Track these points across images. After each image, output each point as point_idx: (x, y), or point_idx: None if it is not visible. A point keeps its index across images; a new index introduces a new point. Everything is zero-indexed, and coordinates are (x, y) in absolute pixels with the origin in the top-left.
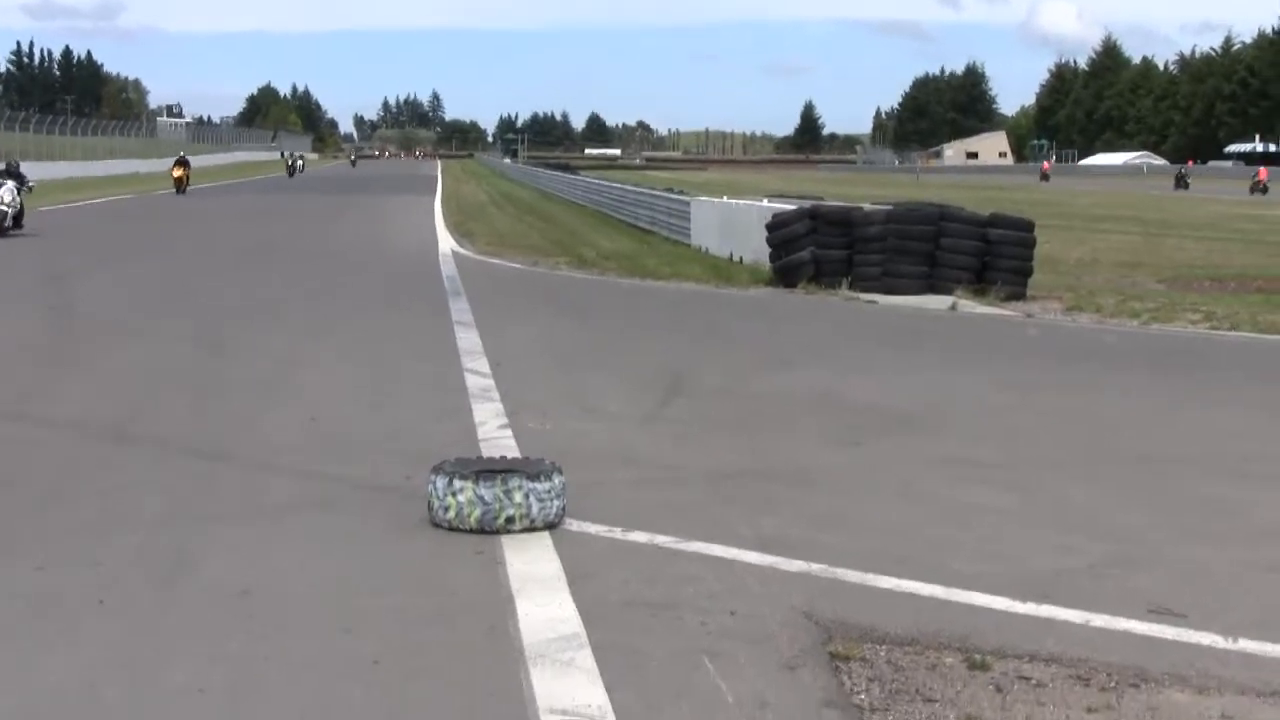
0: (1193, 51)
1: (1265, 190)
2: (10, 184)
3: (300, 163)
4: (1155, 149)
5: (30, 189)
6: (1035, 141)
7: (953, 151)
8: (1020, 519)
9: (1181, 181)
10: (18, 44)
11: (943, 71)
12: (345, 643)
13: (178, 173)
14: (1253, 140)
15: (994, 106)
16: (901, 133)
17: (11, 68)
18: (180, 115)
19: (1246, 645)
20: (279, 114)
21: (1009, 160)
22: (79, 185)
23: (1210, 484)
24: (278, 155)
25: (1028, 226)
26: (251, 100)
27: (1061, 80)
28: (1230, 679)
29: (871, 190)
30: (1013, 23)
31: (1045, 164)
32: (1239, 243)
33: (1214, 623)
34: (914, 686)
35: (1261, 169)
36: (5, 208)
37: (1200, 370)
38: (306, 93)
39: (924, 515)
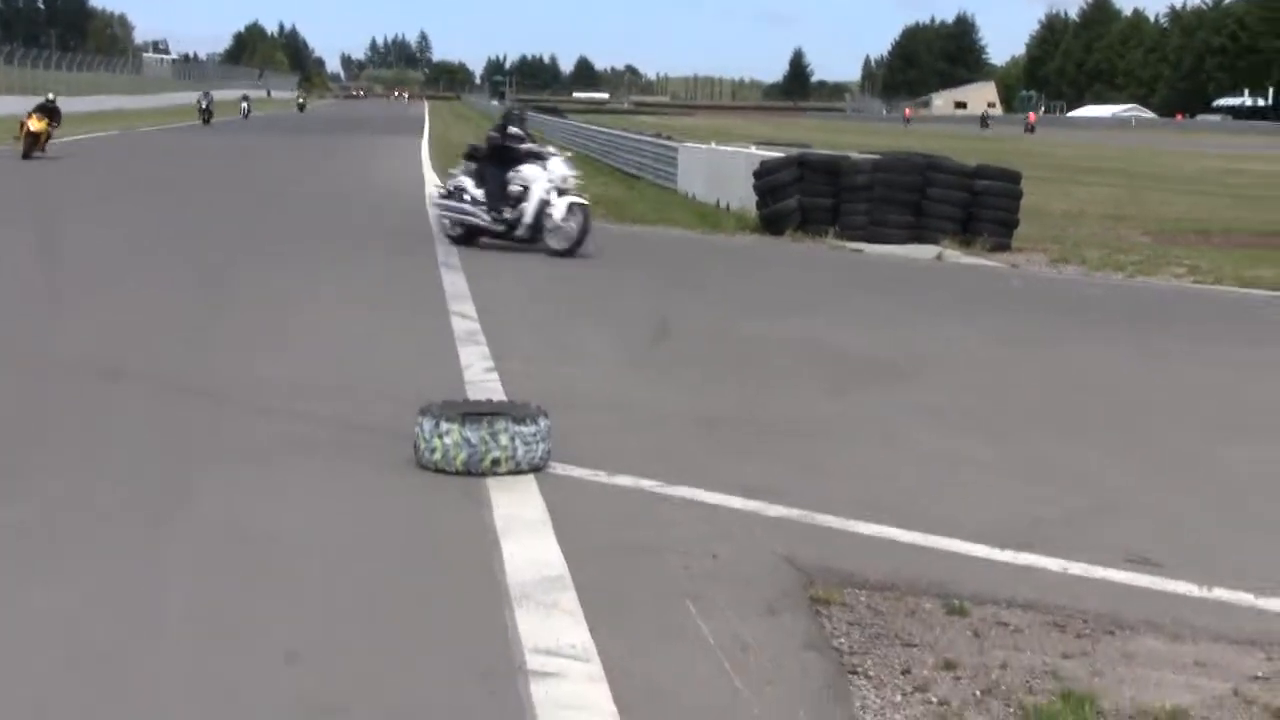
0: (1183, 4)
1: None
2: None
3: (245, 105)
4: (1144, 102)
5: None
6: (1024, 92)
7: (941, 101)
8: (1001, 469)
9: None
10: None
11: (933, 20)
12: (334, 582)
13: (36, 125)
14: (1241, 94)
15: (984, 57)
16: (891, 82)
17: None
18: (166, 52)
19: (1221, 594)
20: (266, 52)
21: (998, 111)
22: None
23: (1190, 437)
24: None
25: (1014, 178)
26: (238, 38)
27: (1052, 31)
28: (1204, 627)
29: (860, 139)
30: None
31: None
32: (1225, 197)
33: (1189, 572)
34: (893, 631)
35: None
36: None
37: (1183, 323)
38: (294, 31)
39: (906, 463)
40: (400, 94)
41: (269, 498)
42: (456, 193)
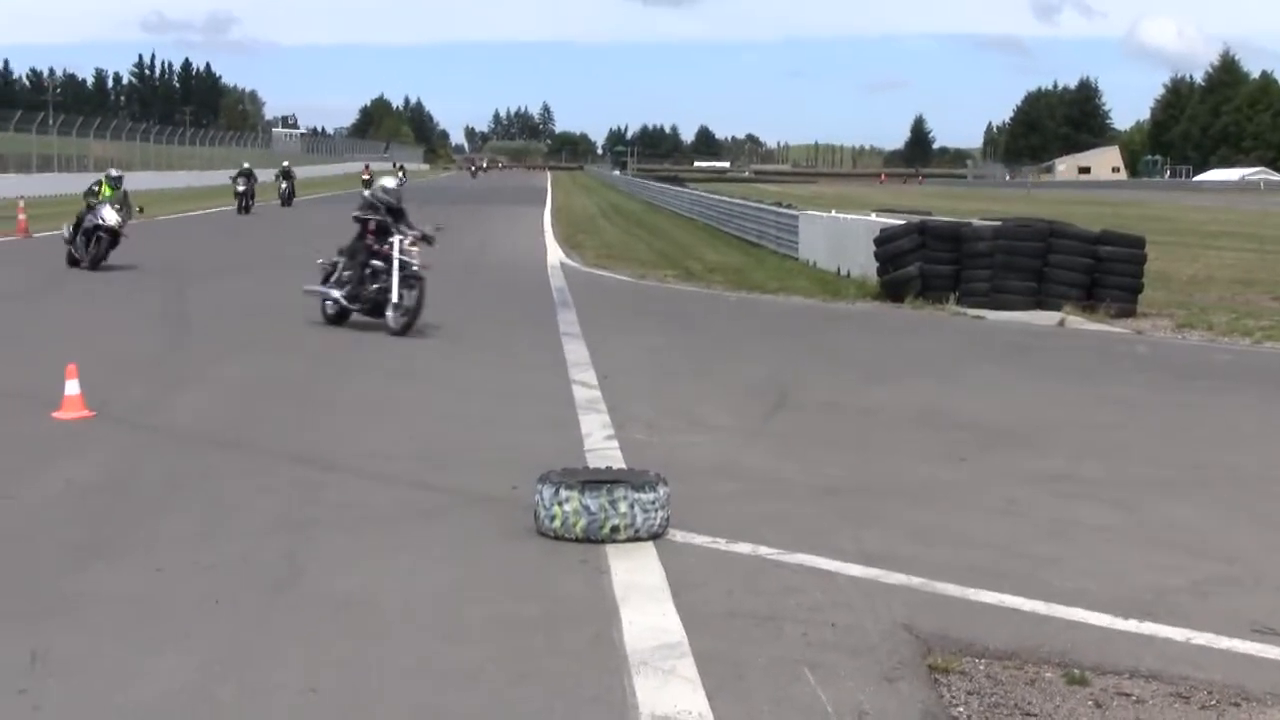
0: None
1: None
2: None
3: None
4: (1273, 165)
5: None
6: (1149, 157)
7: (1065, 166)
8: (1124, 536)
9: None
10: (139, 56)
11: (1055, 86)
12: (452, 649)
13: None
14: None
15: (1107, 121)
16: (1013, 147)
17: (134, 79)
18: (295, 126)
19: None
20: (391, 125)
21: (1122, 175)
22: (196, 195)
23: None
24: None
25: (1138, 243)
26: (364, 111)
27: (1177, 95)
28: None
29: (981, 205)
30: (1112, 37)
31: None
32: None
33: None
34: (1013, 700)
35: None
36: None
37: None
38: (419, 104)
39: (1026, 531)
40: (479, 164)
41: (389, 565)
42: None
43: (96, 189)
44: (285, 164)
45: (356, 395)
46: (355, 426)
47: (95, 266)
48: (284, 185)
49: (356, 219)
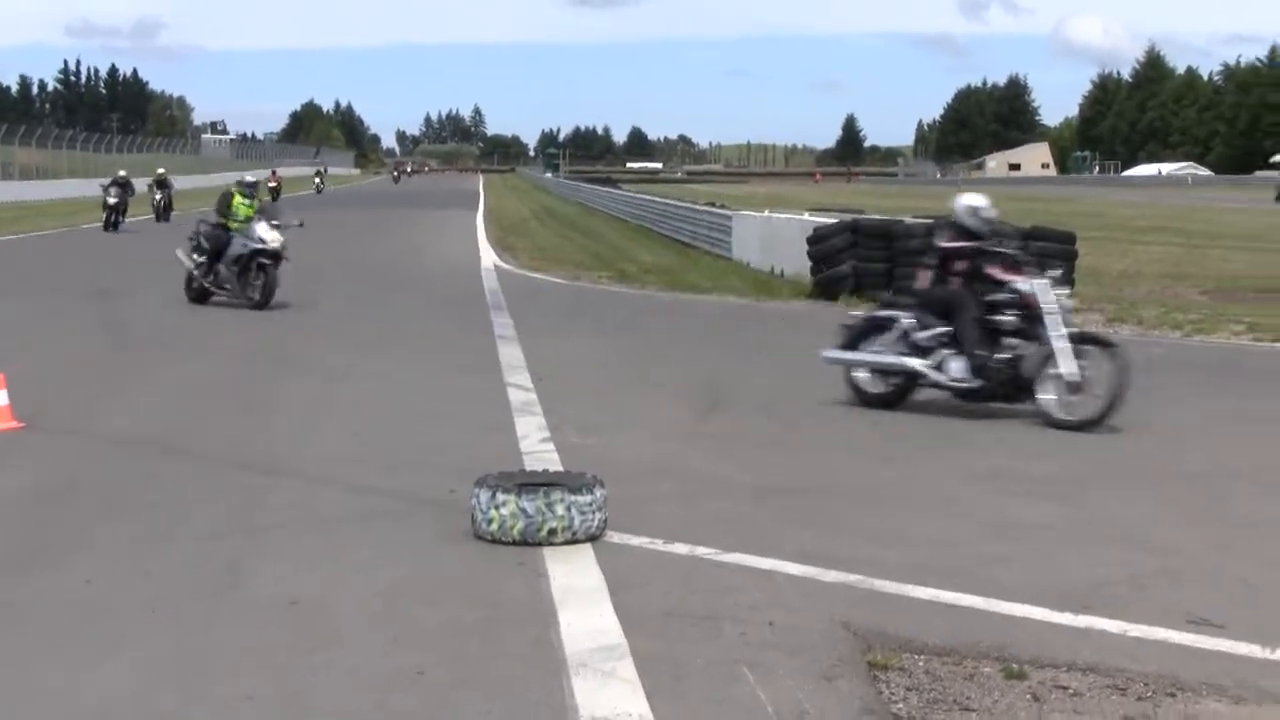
0: (1238, 61)
1: None
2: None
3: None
4: (1200, 160)
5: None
6: (1078, 153)
7: (995, 163)
8: (1061, 532)
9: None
10: (65, 63)
11: (985, 83)
12: (391, 652)
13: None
14: None
15: (1036, 118)
16: (943, 145)
17: (59, 86)
18: (224, 132)
19: None
20: (322, 129)
21: (1051, 171)
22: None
23: (1252, 498)
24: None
25: (1069, 239)
26: (294, 116)
27: (1104, 91)
28: (1267, 689)
29: (914, 203)
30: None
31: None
32: None
33: (1252, 634)
34: (951, 696)
35: None
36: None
37: (1242, 382)
38: (349, 108)
39: (964, 528)
40: (403, 168)
41: (327, 569)
42: None
43: (229, 203)
44: (160, 171)
45: (295, 399)
46: (295, 429)
47: (268, 303)
48: (158, 197)
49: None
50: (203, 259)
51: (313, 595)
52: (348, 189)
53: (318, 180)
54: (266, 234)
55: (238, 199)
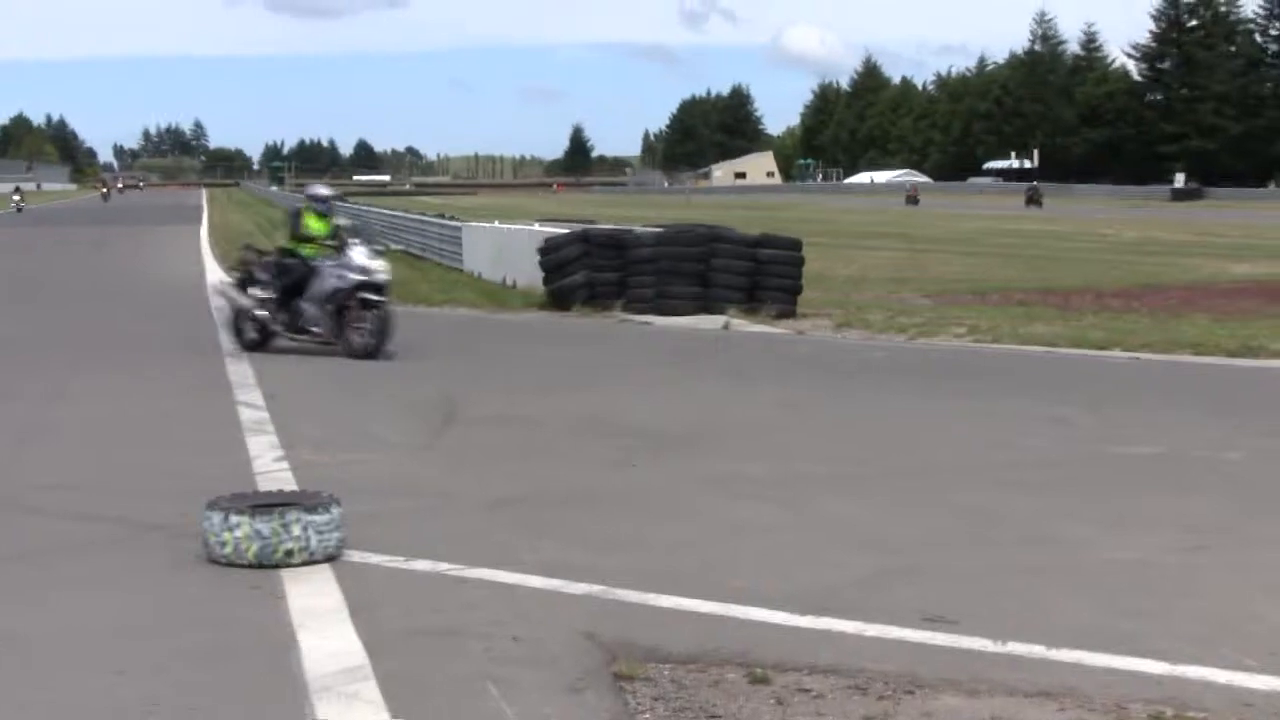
0: (949, 72)
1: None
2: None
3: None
4: (918, 167)
5: None
6: (801, 161)
7: (721, 172)
8: (795, 534)
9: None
10: None
11: (709, 93)
12: (117, 687)
13: None
14: (1009, 157)
15: (760, 127)
16: (670, 154)
17: None
18: None
19: (1014, 648)
20: (34, 144)
21: (777, 179)
22: None
23: (975, 494)
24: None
25: (796, 245)
26: (3, 130)
27: (825, 100)
28: (1000, 681)
29: (643, 212)
30: (760, 45)
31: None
32: (999, 257)
33: (983, 627)
34: (698, 703)
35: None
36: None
37: (964, 382)
38: (62, 121)
39: (700, 533)
40: (112, 184)
41: (49, 600)
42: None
43: (301, 222)
44: None
45: (11, 422)
46: (9, 456)
47: (381, 348)
48: None
49: None
50: (267, 295)
51: (26, 631)
52: (64, 205)
53: (17, 198)
54: (371, 263)
55: (310, 218)
